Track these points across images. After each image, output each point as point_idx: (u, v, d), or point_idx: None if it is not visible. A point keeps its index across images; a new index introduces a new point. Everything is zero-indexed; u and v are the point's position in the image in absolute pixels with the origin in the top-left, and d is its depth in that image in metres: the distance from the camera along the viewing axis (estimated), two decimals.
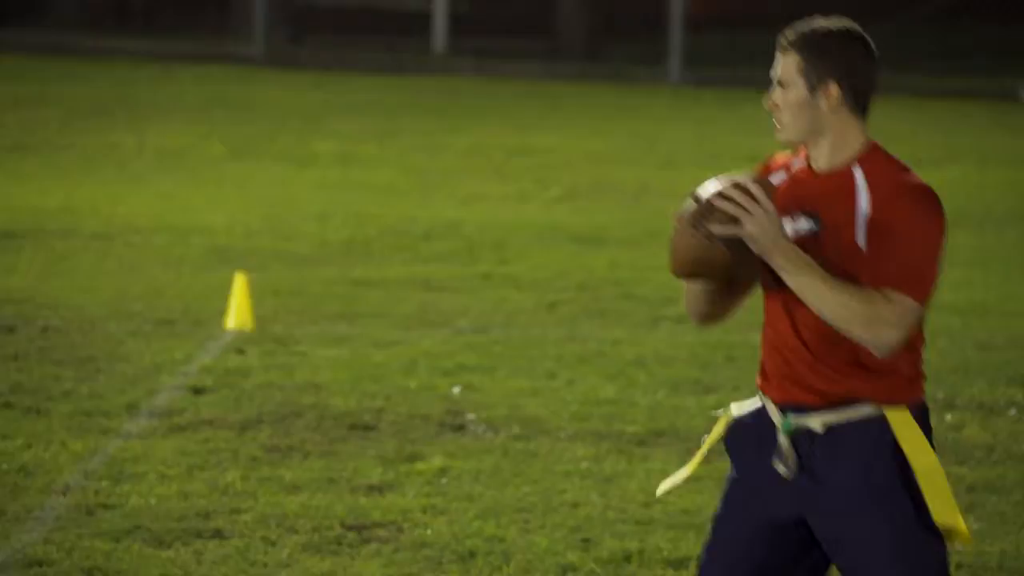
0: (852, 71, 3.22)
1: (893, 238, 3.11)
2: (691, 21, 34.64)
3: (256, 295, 12.61)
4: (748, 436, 3.35)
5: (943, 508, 3.16)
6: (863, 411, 3.17)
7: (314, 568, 6.50)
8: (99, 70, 32.47)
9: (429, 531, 7.04)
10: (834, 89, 3.19)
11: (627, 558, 6.69)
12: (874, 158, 3.24)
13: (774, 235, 3.06)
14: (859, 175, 3.19)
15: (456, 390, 10.50)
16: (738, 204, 3.06)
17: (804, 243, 3.11)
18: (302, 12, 40.27)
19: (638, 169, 22.90)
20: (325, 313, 13.44)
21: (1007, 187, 21.78)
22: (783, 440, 3.18)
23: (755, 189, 3.10)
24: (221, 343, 12.05)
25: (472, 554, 6.67)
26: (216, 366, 11.36)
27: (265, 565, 6.50)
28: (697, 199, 3.20)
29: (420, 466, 8.33)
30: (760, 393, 3.35)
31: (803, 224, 3.21)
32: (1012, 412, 10.07)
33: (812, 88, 3.21)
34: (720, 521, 3.34)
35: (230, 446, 8.64)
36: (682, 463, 7.95)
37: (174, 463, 8.14)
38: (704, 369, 10.97)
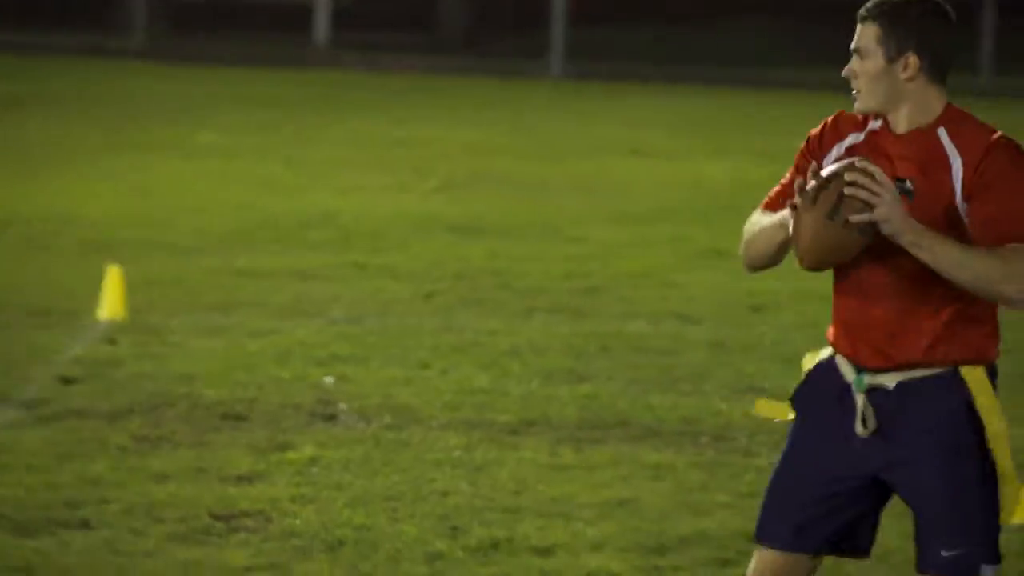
0: (931, 41, 3.23)
1: (997, 194, 3.14)
2: (572, 15, 34.88)
3: (131, 285, 12.43)
4: (819, 391, 3.41)
5: (1006, 473, 3.21)
6: (938, 370, 3.23)
7: (181, 557, 6.44)
8: None
9: (298, 520, 7.00)
10: (912, 59, 3.21)
11: (494, 546, 6.70)
12: (955, 118, 3.27)
13: (902, 215, 3.08)
14: (945, 137, 3.22)
15: (329, 380, 10.47)
16: (869, 189, 3.05)
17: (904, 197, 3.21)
18: (183, 5, 40.00)
19: (517, 160, 22.89)
20: (201, 303, 13.36)
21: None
22: (860, 400, 3.23)
23: (878, 172, 3.08)
24: (93, 333, 11.88)
25: (341, 543, 6.65)
26: (87, 356, 11.22)
27: (131, 555, 6.43)
28: (823, 186, 3.12)
29: (291, 456, 8.32)
30: (834, 350, 3.40)
31: (900, 185, 3.20)
32: None
33: (891, 58, 3.22)
34: (790, 454, 3.44)
35: (99, 436, 8.53)
36: (553, 452, 8.11)
37: (41, 453, 8.06)
38: (578, 359, 11.00)
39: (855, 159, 3.13)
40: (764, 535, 3.45)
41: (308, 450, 8.40)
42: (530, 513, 7.27)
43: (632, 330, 12.53)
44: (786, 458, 3.48)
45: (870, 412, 3.21)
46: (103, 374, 10.52)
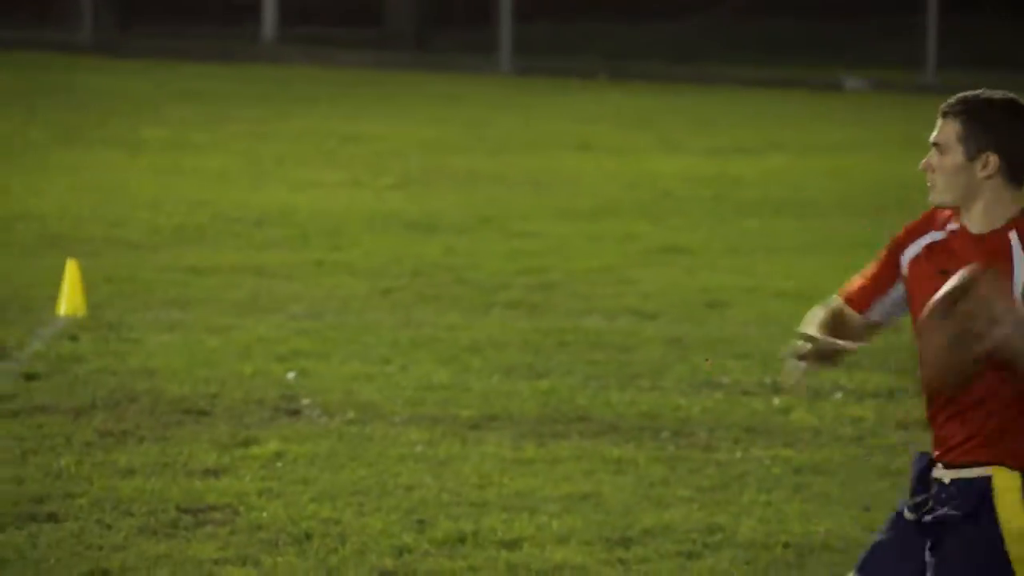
0: (1012, 143, 3.28)
1: None
2: (520, 11, 35.21)
3: (88, 281, 12.42)
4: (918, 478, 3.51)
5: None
6: (979, 471, 3.30)
7: (150, 551, 6.43)
8: None
9: (265, 514, 7.02)
10: (993, 159, 3.25)
11: (461, 539, 6.77)
12: None
13: (1021, 334, 3.10)
14: (1015, 239, 3.29)
15: (291, 375, 10.49)
16: (988, 318, 3.07)
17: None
18: None
19: (470, 156, 22.85)
20: (158, 299, 13.33)
21: (830, 175, 21.86)
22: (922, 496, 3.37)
23: (993, 292, 3.10)
24: (53, 329, 11.89)
25: (308, 536, 6.68)
26: (48, 352, 11.24)
27: (100, 548, 6.42)
28: (944, 311, 3.13)
29: (255, 450, 8.33)
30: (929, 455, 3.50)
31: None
32: (838, 396, 10.29)
33: (971, 156, 3.26)
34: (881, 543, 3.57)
35: (64, 431, 8.53)
36: (516, 447, 8.21)
37: (7, 448, 8.06)
38: (536, 354, 11.05)
39: (974, 275, 3.11)
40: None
41: (273, 445, 8.43)
42: (495, 507, 7.37)
43: (589, 326, 12.63)
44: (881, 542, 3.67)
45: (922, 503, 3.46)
46: (65, 370, 10.50)
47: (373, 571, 6.57)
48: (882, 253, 3.57)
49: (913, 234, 3.52)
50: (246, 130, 24.37)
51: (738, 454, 8.75)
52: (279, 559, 6.51)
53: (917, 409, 7.40)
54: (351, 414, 9.25)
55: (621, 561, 6.66)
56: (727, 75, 32.83)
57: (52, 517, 6.86)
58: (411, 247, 15.95)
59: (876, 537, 3.64)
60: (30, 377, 10.13)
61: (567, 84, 31.91)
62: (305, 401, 9.55)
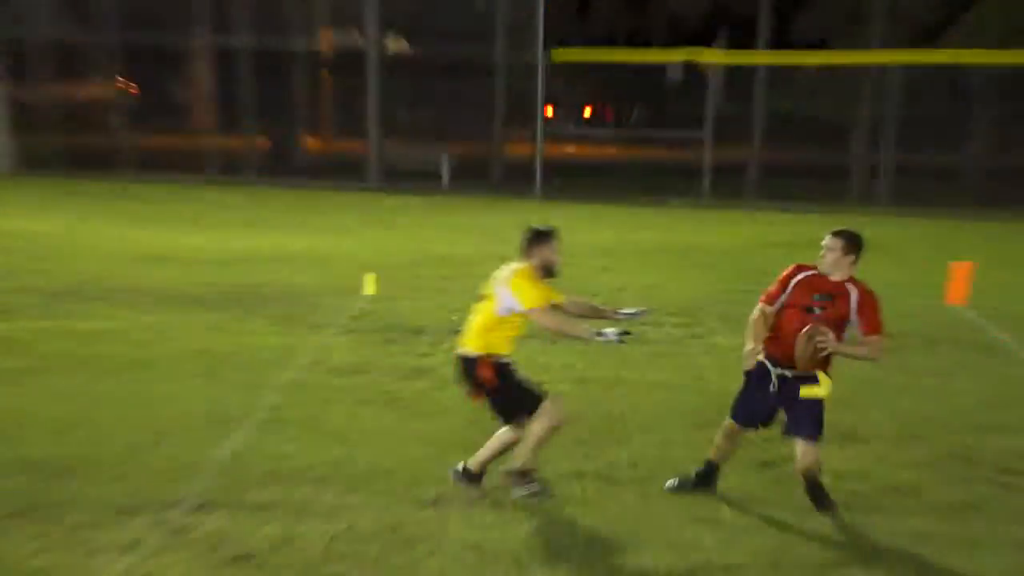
0: (859, 247, 8.15)
1: (867, 313, 7.98)
2: None
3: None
4: (761, 372, 8.14)
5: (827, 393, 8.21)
6: (809, 374, 8.08)
7: None
8: None
9: None
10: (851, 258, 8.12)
11: None
12: (854, 280, 8.10)
13: (835, 345, 7.82)
14: (851, 287, 8.05)
15: None
16: (824, 338, 7.76)
17: (824, 305, 7.99)
18: None
19: None
20: None
21: None
22: (774, 377, 8.02)
23: (827, 332, 7.77)
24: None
25: None
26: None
27: None
28: (812, 337, 7.79)
29: None
30: (768, 358, 8.08)
31: (824, 298, 8.02)
32: None
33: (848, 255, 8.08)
34: (744, 392, 8.33)
35: None
36: None
37: None
38: None
39: (818, 328, 7.87)
40: (737, 418, 8.51)
41: None
42: None
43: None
44: (744, 392, 8.38)
45: (777, 383, 8.08)
46: None
47: None
48: (781, 280, 8.19)
49: (793, 273, 8.15)
50: None
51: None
52: None
53: None
54: None
55: None
56: None
57: None
58: None
59: (741, 397, 8.45)
60: None
61: None
62: None
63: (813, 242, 10.47)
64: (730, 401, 9.76)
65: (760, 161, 36.66)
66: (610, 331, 8.14)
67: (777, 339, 8.38)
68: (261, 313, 16.40)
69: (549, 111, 36.41)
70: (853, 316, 8.25)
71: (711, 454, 8.93)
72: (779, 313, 8.40)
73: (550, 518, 8.71)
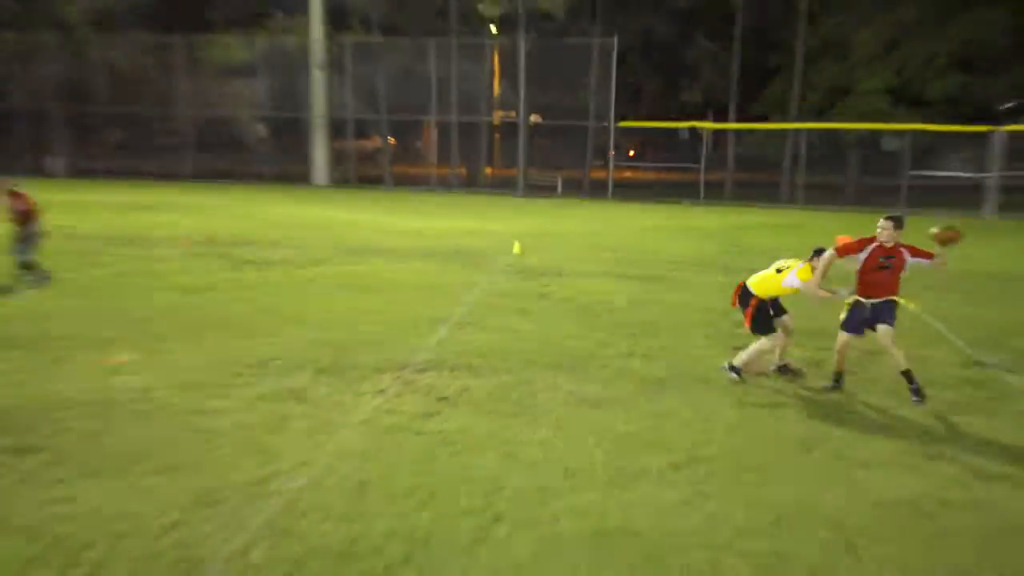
0: (903, 223, 10.19)
1: (918, 252, 10.46)
2: None
3: None
4: (861, 306, 10.05)
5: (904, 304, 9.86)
6: (892, 298, 9.88)
7: None
8: None
9: None
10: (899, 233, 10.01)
11: None
12: (901, 244, 10.23)
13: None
14: (902, 248, 10.22)
15: None
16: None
17: (890, 263, 10.38)
18: None
19: None
20: None
21: None
22: (867, 304, 10.15)
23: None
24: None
25: None
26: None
27: None
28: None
29: None
30: (863, 296, 10.37)
31: (888, 258, 10.19)
32: None
33: (897, 230, 10.00)
34: (852, 316, 10.53)
35: None
36: None
37: None
38: None
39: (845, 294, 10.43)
40: (848, 329, 10.35)
41: None
42: None
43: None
44: (852, 315, 10.43)
45: (869, 307, 10.14)
46: None
47: None
48: (858, 243, 10.44)
49: (866, 243, 10.22)
50: None
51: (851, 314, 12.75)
52: None
53: None
54: None
55: None
56: None
57: None
58: None
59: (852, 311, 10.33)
60: None
61: None
62: None
63: (762, 224, 14.61)
64: (721, 313, 12.90)
65: (733, 180, 45.92)
66: (843, 291, 10.24)
67: (866, 284, 10.15)
68: (456, 262, 19.29)
69: (612, 152, 44.01)
70: (911, 260, 10.17)
71: (836, 367, 10.55)
72: (863, 270, 10.26)
73: (619, 371, 10.94)
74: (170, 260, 18.34)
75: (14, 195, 15.45)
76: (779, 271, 10.31)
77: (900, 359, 9.76)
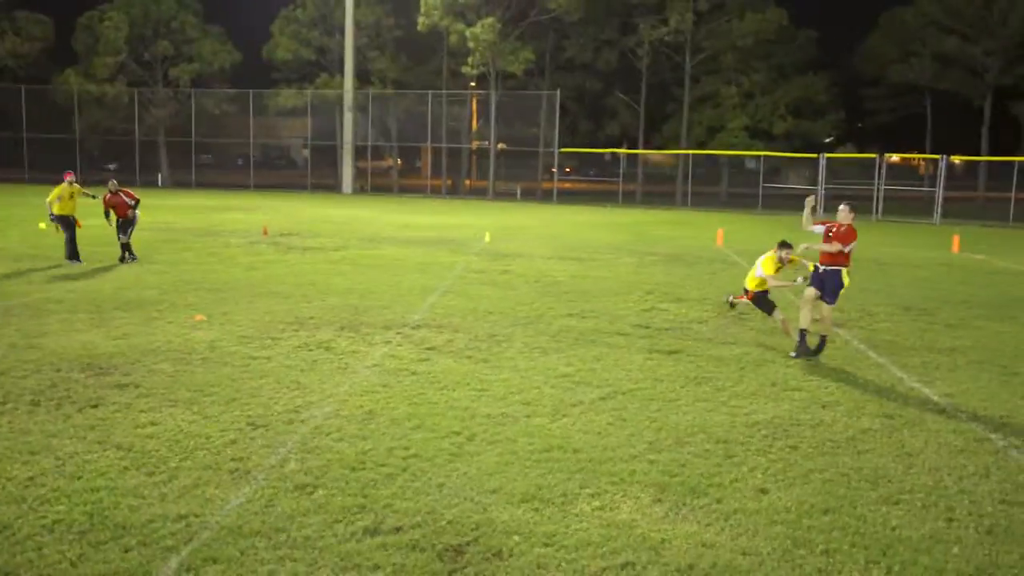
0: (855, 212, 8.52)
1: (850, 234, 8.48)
2: None
3: None
4: (816, 272, 8.73)
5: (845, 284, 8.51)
6: (838, 269, 8.61)
7: None
8: None
9: None
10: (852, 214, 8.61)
11: None
12: (851, 224, 8.97)
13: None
14: (853, 226, 8.63)
15: None
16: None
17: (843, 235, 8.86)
18: None
19: None
20: None
21: None
22: (821, 270, 8.64)
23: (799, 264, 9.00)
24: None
25: None
26: None
27: None
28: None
29: None
30: (817, 265, 8.92)
31: (841, 231, 8.66)
32: None
33: (851, 212, 8.61)
34: (814, 278, 8.83)
35: None
36: None
37: None
38: None
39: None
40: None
41: None
42: None
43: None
44: (813, 281, 8.84)
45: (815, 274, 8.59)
46: None
47: None
48: (827, 226, 8.96)
49: (830, 224, 8.80)
50: None
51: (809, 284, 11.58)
52: None
53: None
54: None
55: None
56: None
57: None
58: None
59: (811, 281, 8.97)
60: None
61: None
62: None
63: (662, 220, 14.06)
64: (634, 283, 12.44)
65: (642, 190, 45.26)
66: (799, 278, 9.24)
67: (824, 254, 8.81)
68: (443, 247, 18.74)
69: (554, 170, 43.53)
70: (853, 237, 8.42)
71: (802, 324, 9.14)
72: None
73: (562, 328, 10.56)
74: (236, 247, 18.05)
75: (116, 194, 15.59)
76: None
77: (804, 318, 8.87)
